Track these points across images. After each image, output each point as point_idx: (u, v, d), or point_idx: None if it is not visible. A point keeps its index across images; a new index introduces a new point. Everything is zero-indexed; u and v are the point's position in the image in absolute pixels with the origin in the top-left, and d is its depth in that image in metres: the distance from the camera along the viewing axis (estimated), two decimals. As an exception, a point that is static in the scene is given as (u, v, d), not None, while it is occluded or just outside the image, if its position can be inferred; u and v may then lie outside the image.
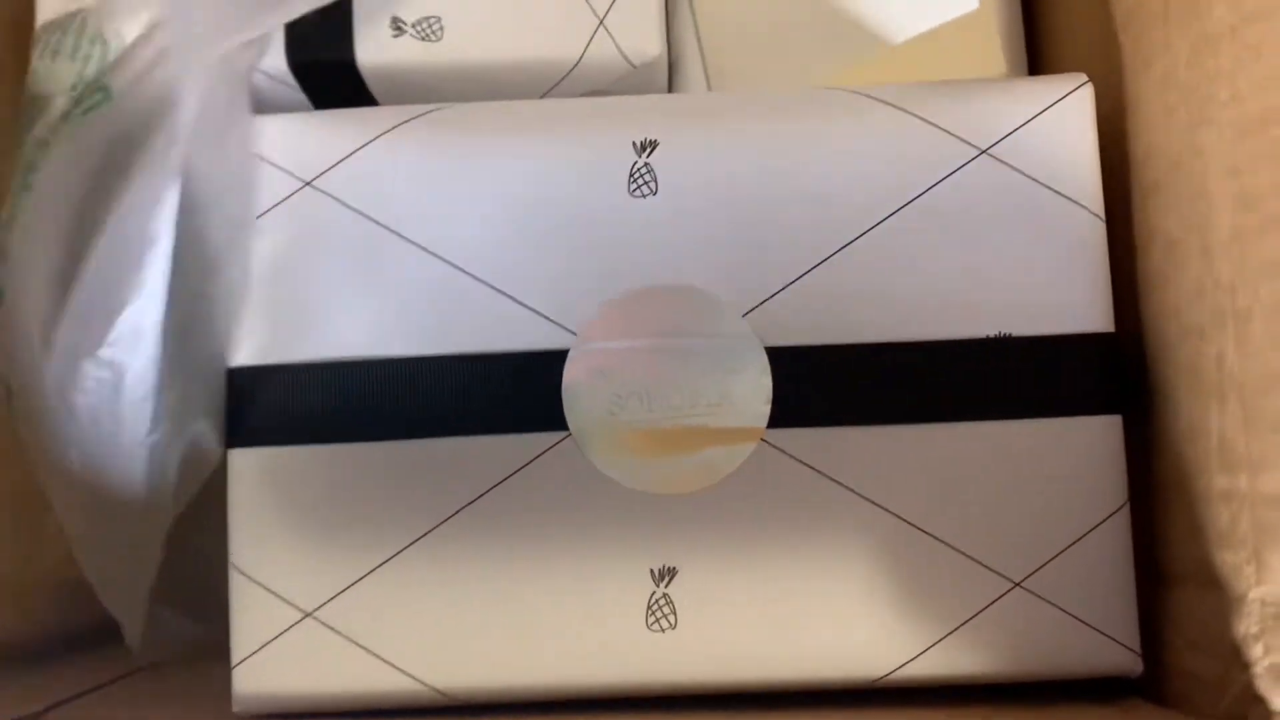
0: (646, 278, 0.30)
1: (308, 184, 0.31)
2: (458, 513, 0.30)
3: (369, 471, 0.30)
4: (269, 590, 0.30)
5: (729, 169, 0.31)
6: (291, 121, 0.31)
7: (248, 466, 0.30)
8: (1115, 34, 0.32)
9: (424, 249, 0.30)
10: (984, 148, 0.30)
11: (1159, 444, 0.30)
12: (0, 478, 0.37)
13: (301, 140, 0.31)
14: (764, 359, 0.30)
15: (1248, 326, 0.26)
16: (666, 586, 0.30)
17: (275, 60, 0.34)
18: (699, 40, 0.38)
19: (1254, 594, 0.26)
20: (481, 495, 0.30)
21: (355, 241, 0.31)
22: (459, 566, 0.30)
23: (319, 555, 0.30)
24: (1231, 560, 0.26)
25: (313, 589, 0.30)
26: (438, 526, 0.30)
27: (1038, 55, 0.38)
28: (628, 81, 0.35)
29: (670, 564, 0.30)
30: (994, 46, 0.37)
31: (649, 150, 0.31)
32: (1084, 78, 0.31)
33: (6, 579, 0.37)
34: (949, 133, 0.30)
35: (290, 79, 0.35)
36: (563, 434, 0.30)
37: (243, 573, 0.30)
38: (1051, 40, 0.38)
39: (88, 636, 0.40)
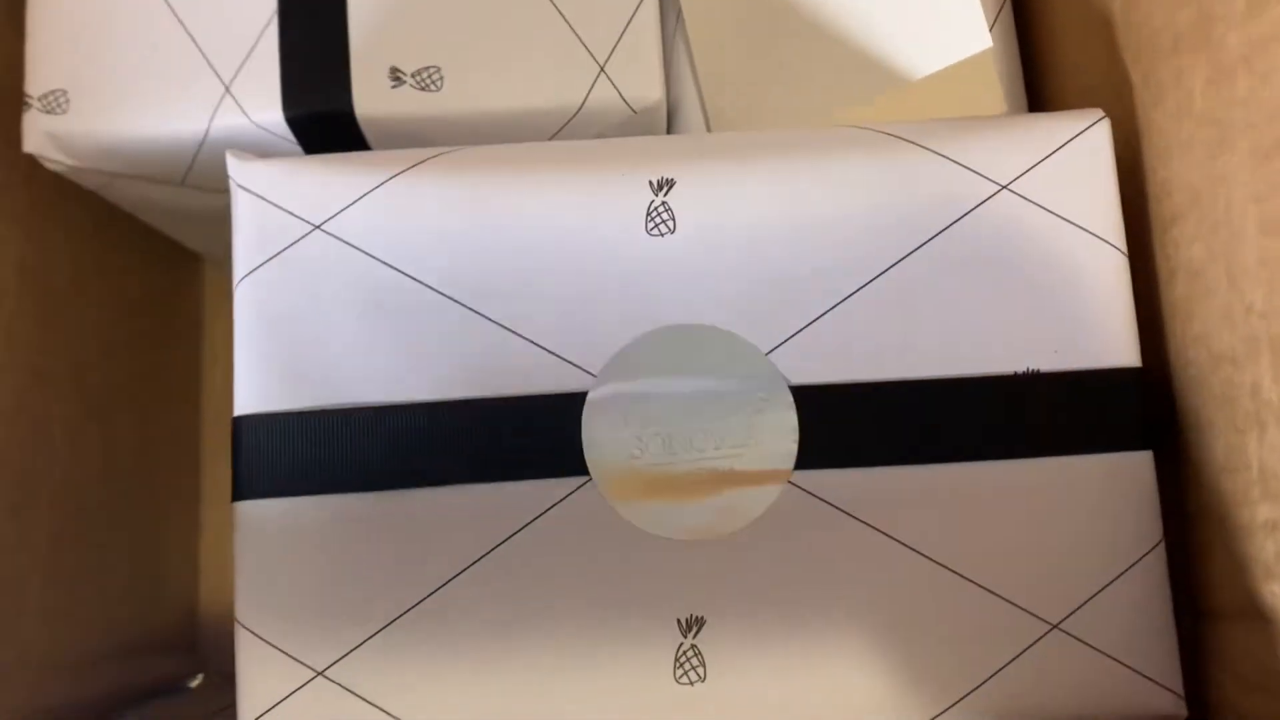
0: (666, 317, 0.30)
1: (317, 227, 0.30)
2: (474, 564, 0.29)
3: (383, 522, 0.29)
4: (278, 649, 0.29)
5: (747, 207, 0.30)
6: (296, 165, 0.31)
7: (255, 519, 0.29)
8: (1124, 69, 0.32)
9: (438, 291, 0.30)
10: (1004, 183, 0.30)
11: (1195, 477, 0.29)
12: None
13: (310, 184, 0.31)
14: (789, 398, 0.29)
15: (1281, 351, 0.25)
16: (695, 638, 0.29)
17: (272, 114, 0.34)
18: (697, 84, 0.38)
19: (1304, 628, 0.25)
20: (499, 545, 0.29)
21: (367, 285, 0.30)
22: (476, 620, 0.29)
23: (330, 611, 0.29)
24: (1279, 590, 0.26)
25: (324, 647, 0.29)
26: (453, 579, 0.29)
27: (1040, 94, 0.38)
28: (629, 126, 0.36)
29: (698, 614, 0.29)
30: (994, 86, 0.37)
31: (666, 189, 0.31)
32: (1100, 113, 0.31)
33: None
34: (969, 169, 0.30)
35: (287, 132, 0.35)
36: (583, 479, 0.29)
37: (250, 630, 0.29)
38: (1054, 78, 0.38)
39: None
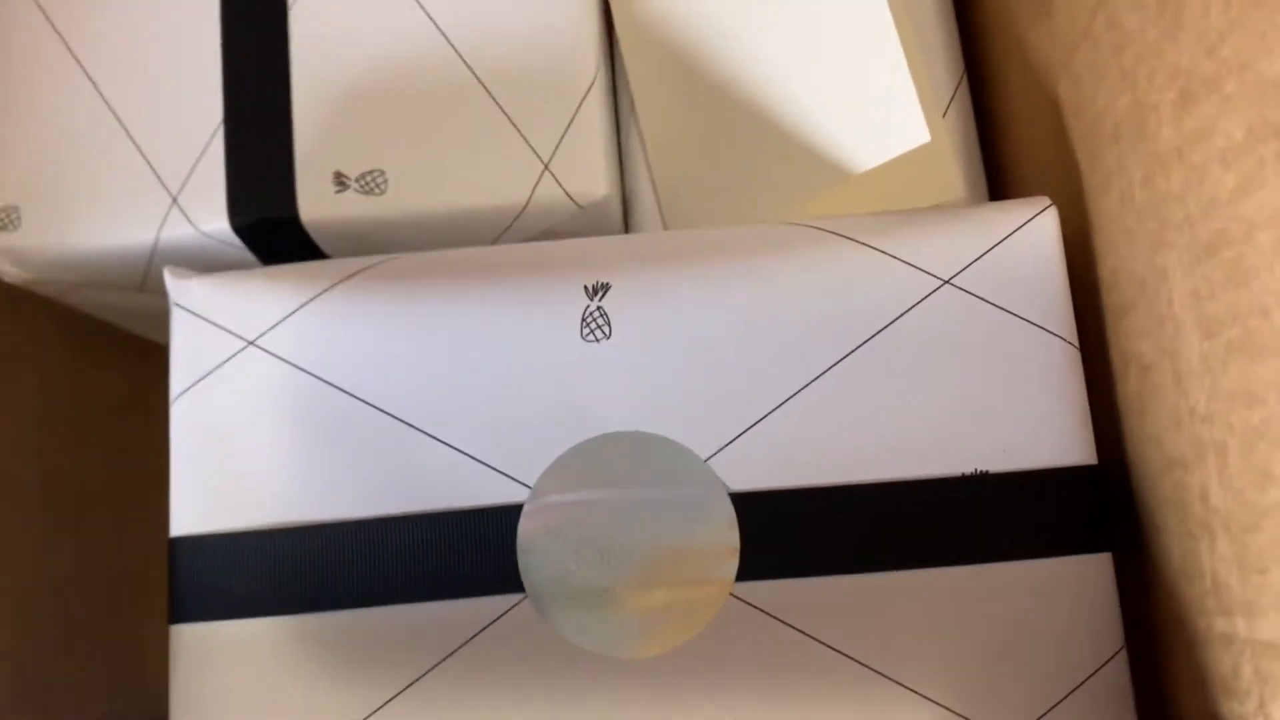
0: (602, 425, 0.29)
1: (251, 343, 0.30)
2: (409, 687, 0.28)
3: (318, 645, 0.29)
4: None
5: (684, 309, 0.30)
6: (232, 280, 0.31)
7: (191, 643, 0.29)
8: (1072, 154, 0.32)
9: (372, 405, 0.30)
10: (946, 278, 0.29)
11: (1154, 581, 0.28)
12: None
13: (243, 299, 0.31)
14: (730, 508, 0.28)
15: (1225, 459, 0.24)
16: None
17: (219, 223, 0.35)
18: (652, 178, 0.38)
19: (1266, 750, 0.24)
20: (434, 667, 0.28)
21: (301, 400, 0.30)
22: None
23: None
24: (1239, 711, 0.24)
25: None
26: (388, 703, 0.28)
27: (998, 177, 0.38)
28: (578, 221, 0.35)
29: None
30: (952, 171, 0.36)
31: (601, 294, 0.30)
32: (1047, 201, 0.30)
33: None
34: (909, 264, 0.30)
35: (235, 240, 0.35)
36: (519, 596, 0.28)
37: None
38: (1012, 161, 0.37)
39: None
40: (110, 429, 0.47)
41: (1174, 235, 0.26)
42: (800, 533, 0.28)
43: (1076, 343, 0.29)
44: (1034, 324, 0.29)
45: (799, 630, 0.28)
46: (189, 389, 0.30)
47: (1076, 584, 0.28)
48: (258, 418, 0.30)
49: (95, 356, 0.47)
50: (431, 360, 0.30)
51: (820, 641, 0.28)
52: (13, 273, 0.36)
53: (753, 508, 0.28)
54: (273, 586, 0.29)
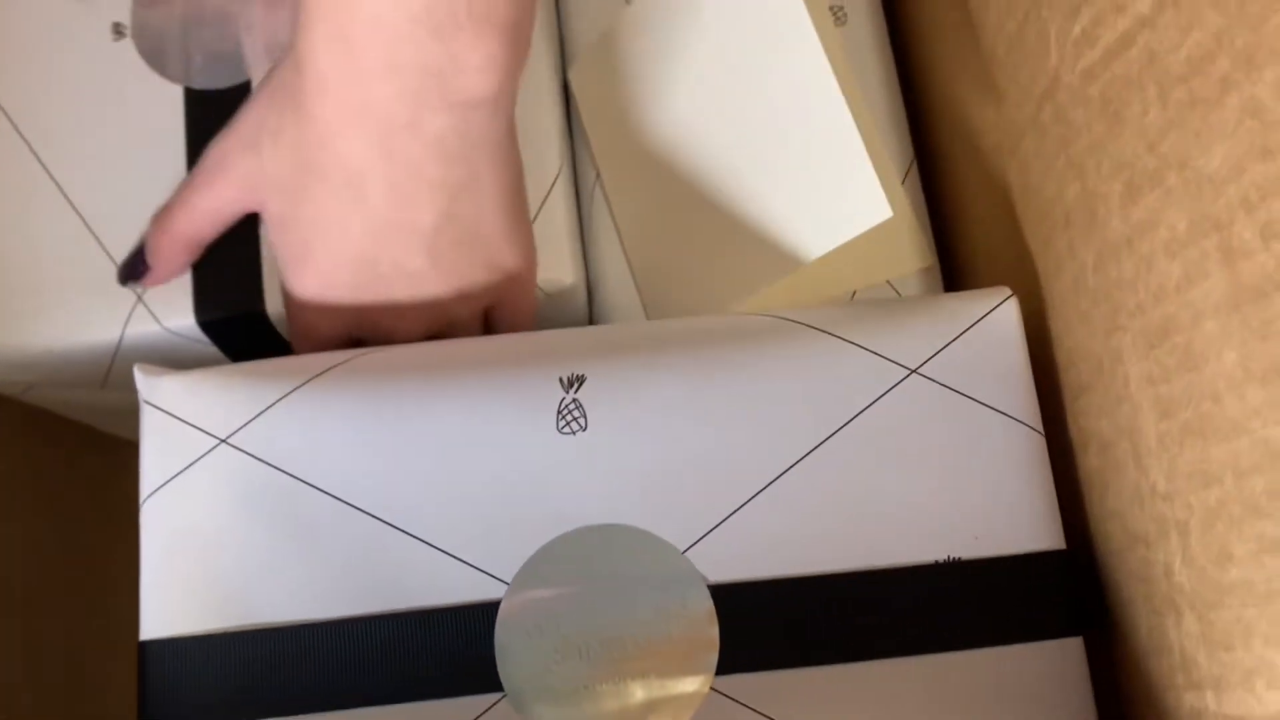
0: (580, 518, 0.29)
1: (223, 441, 0.30)
2: None
3: None
4: None
5: (658, 400, 0.30)
6: (203, 378, 0.31)
7: None
8: (1024, 238, 0.33)
9: (345, 503, 0.29)
10: (913, 367, 0.30)
11: (1124, 658, 0.29)
12: None
13: (215, 397, 0.30)
14: (709, 600, 0.28)
15: (1188, 537, 0.25)
16: None
17: (184, 320, 0.35)
18: (629, 264, 0.38)
19: (1241, 824, 0.24)
20: None
21: (273, 498, 0.29)
22: None
23: None
24: (1213, 786, 0.25)
25: None
26: None
27: (949, 259, 0.39)
28: (544, 309, 0.36)
29: None
30: (919, 240, 0.37)
31: (576, 386, 0.30)
32: (1008, 291, 0.31)
33: None
34: (877, 354, 0.30)
35: (201, 335, 0.35)
36: (498, 695, 0.28)
37: None
38: (962, 244, 0.38)
39: None
40: (68, 520, 0.46)
41: (1127, 320, 0.27)
42: (779, 624, 0.28)
43: (1041, 429, 0.30)
44: (999, 411, 0.30)
45: (768, 716, 0.28)
46: (160, 488, 0.30)
47: (1049, 669, 0.28)
48: (230, 517, 0.29)
49: (54, 452, 0.46)
50: (406, 456, 0.30)
51: None
52: (-31, 374, 0.36)
53: (731, 600, 0.28)
54: (246, 690, 0.28)
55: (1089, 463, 0.30)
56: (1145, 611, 0.27)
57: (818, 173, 0.33)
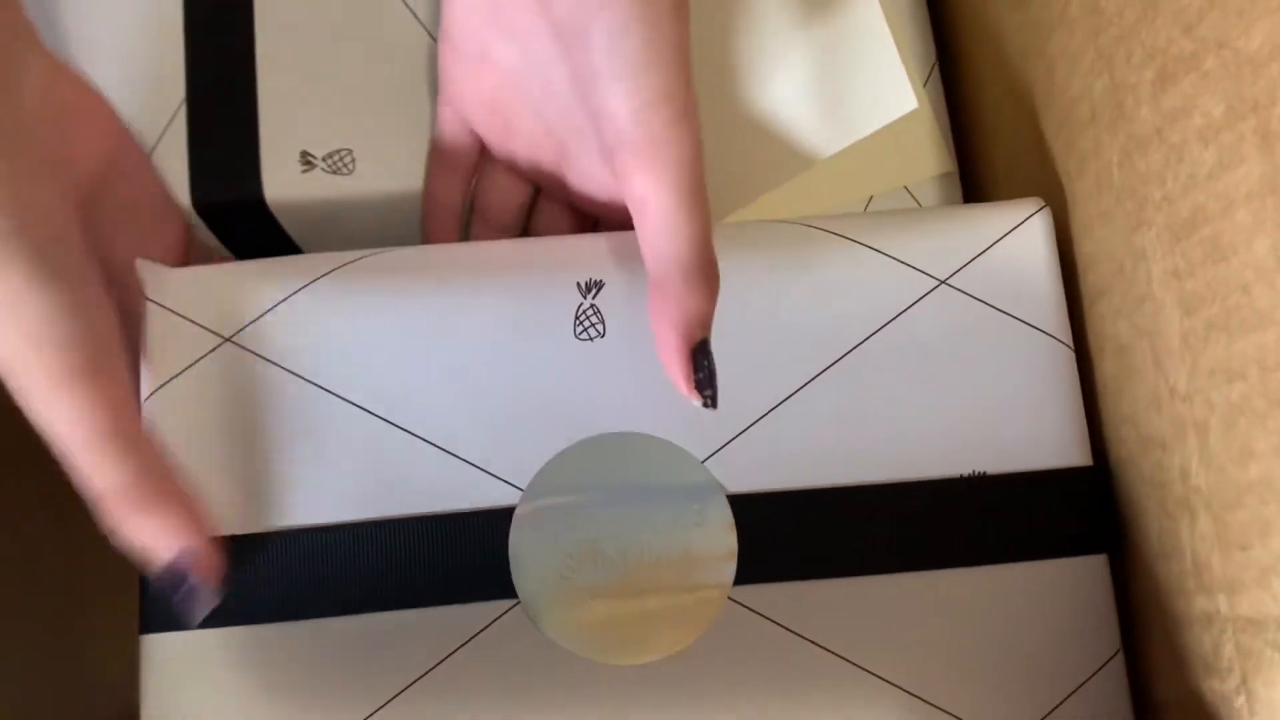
0: (597, 426, 0.28)
1: (228, 340, 0.29)
2: (393, 699, 0.27)
3: (297, 655, 0.27)
4: None
5: None
6: (209, 275, 0.29)
7: (164, 655, 0.27)
8: (1046, 139, 0.32)
9: (357, 405, 0.28)
10: (943, 278, 0.29)
11: (1134, 563, 0.28)
12: None
13: (221, 294, 0.29)
14: (727, 509, 0.28)
15: (1207, 436, 0.24)
16: None
17: (180, 201, 0.33)
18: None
19: (1247, 728, 0.24)
20: (421, 677, 0.27)
21: (281, 399, 0.28)
22: None
23: None
24: (1219, 689, 0.24)
25: None
26: (371, 716, 0.27)
27: (969, 164, 0.38)
28: None
29: None
30: (937, 143, 0.36)
31: (594, 291, 0.29)
32: (1041, 202, 0.30)
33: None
34: (905, 264, 0.29)
35: (196, 220, 0.34)
36: (511, 602, 0.27)
37: None
38: (983, 148, 0.37)
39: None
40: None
41: (1153, 214, 0.26)
42: (798, 535, 0.28)
43: (1071, 344, 0.29)
44: (1029, 325, 0.29)
45: (796, 634, 0.27)
46: (163, 386, 0.29)
47: (1073, 586, 0.28)
48: (234, 417, 0.28)
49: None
50: (417, 359, 0.29)
51: (817, 644, 0.27)
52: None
53: (750, 510, 0.28)
54: (249, 595, 0.28)
55: (1104, 369, 0.29)
56: (1157, 517, 0.26)
57: (840, 62, 0.32)
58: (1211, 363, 0.24)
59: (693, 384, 0.27)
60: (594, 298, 0.29)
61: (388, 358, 0.28)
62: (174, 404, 0.28)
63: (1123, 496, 0.28)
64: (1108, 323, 0.29)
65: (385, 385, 0.28)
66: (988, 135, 0.37)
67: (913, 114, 0.34)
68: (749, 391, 0.28)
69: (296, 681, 0.27)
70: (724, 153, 0.35)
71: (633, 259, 0.29)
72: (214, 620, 0.27)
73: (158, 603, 0.27)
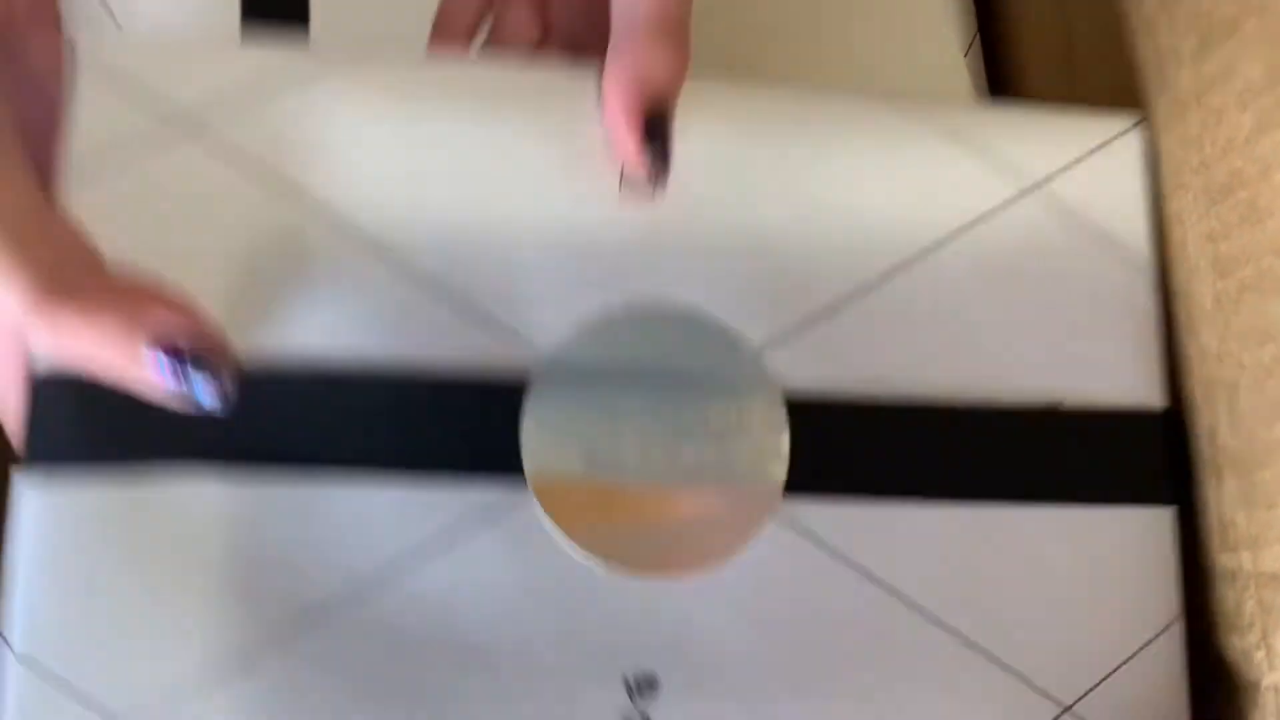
0: (638, 291, 0.24)
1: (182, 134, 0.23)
2: (367, 585, 0.22)
3: (245, 519, 0.22)
4: (75, 691, 0.21)
5: (743, 175, 0.25)
6: (176, 47, 0.24)
7: (49, 496, 0.21)
8: (1090, 103, 0.32)
9: (347, 223, 0.23)
10: (1036, 182, 0.26)
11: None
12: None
13: (186, 67, 0.23)
14: (781, 409, 0.24)
15: (1235, 397, 0.24)
16: (645, 702, 0.23)
17: None
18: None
19: (1266, 681, 0.24)
20: (405, 564, 0.22)
21: (248, 206, 0.23)
22: (370, 660, 0.22)
23: (148, 644, 0.21)
24: (1240, 645, 0.25)
25: (147, 686, 0.21)
26: (343, 602, 0.22)
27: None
28: None
29: (649, 672, 0.23)
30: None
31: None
32: (1138, 116, 0.27)
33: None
34: (997, 161, 0.26)
35: None
36: (518, 491, 0.23)
37: (36, 666, 0.21)
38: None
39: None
40: None
41: (1190, 178, 0.26)
42: (855, 450, 0.24)
43: (1158, 278, 0.27)
44: (1120, 250, 0.26)
45: (838, 554, 0.24)
46: (93, 182, 0.22)
47: (1140, 539, 0.25)
48: (186, 225, 0.23)
49: None
50: (438, 189, 0.24)
51: (862, 571, 0.24)
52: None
53: (804, 415, 0.24)
54: (178, 431, 0.22)
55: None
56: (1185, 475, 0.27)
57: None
58: (1243, 325, 0.24)
59: (641, 153, 0.23)
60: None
61: (401, 181, 0.24)
62: (109, 210, 0.22)
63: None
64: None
65: (396, 213, 0.23)
66: (1029, 102, 0.37)
67: (953, 83, 0.34)
68: (811, 280, 0.25)
69: (240, 557, 0.22)
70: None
71: (699, 108, 0.25)
72: (122, 455, 0.22)
73: (41, 430, 0.21)
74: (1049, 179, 0.26)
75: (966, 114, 0.27)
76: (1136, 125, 0.27)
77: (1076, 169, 0.27)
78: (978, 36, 0.38)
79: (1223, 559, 0.25)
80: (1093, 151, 0.27)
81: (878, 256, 0.25)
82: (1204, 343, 0.26)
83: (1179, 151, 0.26)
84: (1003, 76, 0.39)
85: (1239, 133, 0.24)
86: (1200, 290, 0.26)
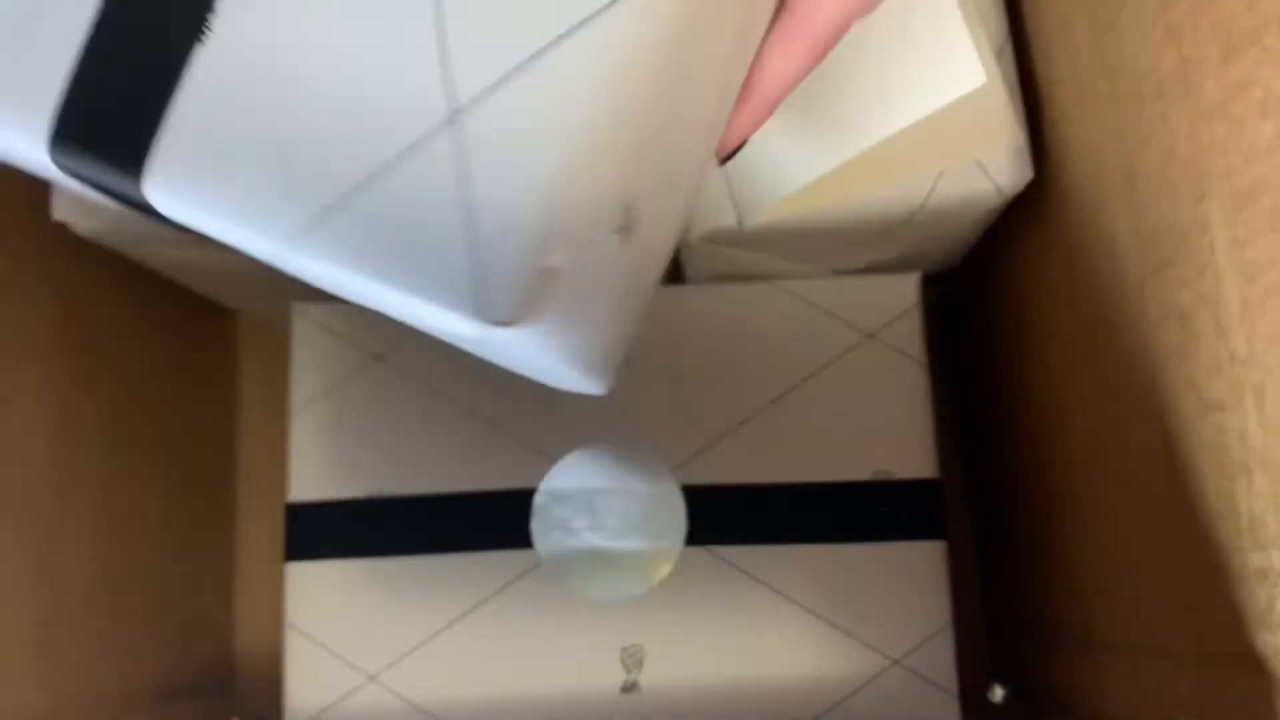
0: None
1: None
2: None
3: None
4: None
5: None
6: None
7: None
8: (1114, 111, 0.32)
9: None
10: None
11: (1190, 523, 0.29)
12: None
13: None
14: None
15: (1263, 399, 0.25)
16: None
17: None
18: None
19: (1298, 679, 0.24)
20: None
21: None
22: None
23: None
24: (1272, 642, 0.25)
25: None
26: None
27: (1038, 139, 0.38)
28: None
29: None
30: (999, 129, 0.37)
31: None
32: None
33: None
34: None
35: None
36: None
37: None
38: (1051, 123, 0.38)
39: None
40: (168, 380, 0.49)
41: (1216, 185, 0.26)
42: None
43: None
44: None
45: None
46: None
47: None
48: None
49: (156, 314, 0.48)
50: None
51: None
52: (83, 224, 0.38)
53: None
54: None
55: (1167, 338, 0.30)
56: (1214, 477, 0.27)
57: (909, 37, 0.33)
58: (1269, 328, 0.24)
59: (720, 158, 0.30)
60: None
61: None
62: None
63: (1180, 459, 0.29)
64: (1171, 292, 0.29)
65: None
66: (1058, 109, 0.37)
67: (984, 88, 0.35)
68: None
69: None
70: (792, 125, 0.36)
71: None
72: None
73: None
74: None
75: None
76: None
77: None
78: (1010, 41, 0.39)
79: (1254, 558, 0.26)
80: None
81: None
82: (1232, 346, 0.26)
83: (1205, 159, 0.27)
84: (1033, 81, 0.39)
85: (1260, 141, 0.24)
86: (1228, 295, 0.26)
